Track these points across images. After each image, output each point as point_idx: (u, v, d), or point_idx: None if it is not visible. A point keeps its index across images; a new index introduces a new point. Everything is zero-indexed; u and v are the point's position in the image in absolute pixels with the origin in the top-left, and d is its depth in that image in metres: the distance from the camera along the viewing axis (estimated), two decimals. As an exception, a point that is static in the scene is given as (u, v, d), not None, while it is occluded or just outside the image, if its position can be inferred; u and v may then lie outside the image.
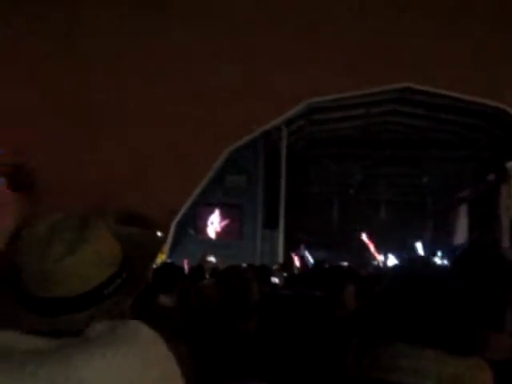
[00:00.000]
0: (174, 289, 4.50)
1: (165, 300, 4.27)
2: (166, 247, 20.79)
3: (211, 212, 22.62)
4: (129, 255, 1.25)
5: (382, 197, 24.73)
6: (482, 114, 21.73)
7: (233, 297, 2.51)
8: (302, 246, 19.72)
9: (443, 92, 21.60)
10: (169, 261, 10.74)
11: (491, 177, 21.64)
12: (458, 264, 2.10)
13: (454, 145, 23.30)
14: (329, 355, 1.88)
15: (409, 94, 22.04)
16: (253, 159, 22.33)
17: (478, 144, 23.01)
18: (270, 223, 21.92)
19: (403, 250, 19.65)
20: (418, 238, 21.55)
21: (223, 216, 22.58)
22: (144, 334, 1.17)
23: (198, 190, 22.45)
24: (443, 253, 18.87)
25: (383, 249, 18.25)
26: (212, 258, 15.73)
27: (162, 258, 14.93)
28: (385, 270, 8.97)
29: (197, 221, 22.69)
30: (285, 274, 9.15)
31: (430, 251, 19.80)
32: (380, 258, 14.03)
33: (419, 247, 19.33)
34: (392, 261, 16.65)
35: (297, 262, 15.21)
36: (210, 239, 22.27)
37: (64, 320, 1.14)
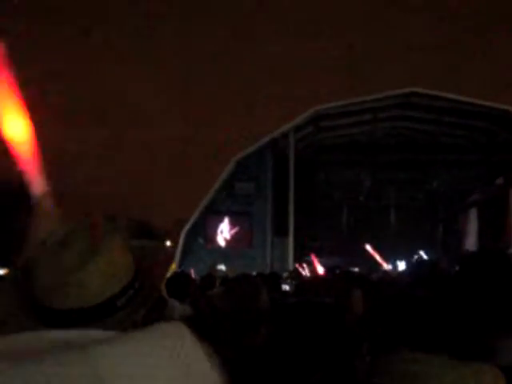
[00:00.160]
0: (186, 298, 4.51)
1: (183, 310, 4.27)
2: (176, 256, 20.79)
3: (221, 220, 22.59)
4: (141, 266, 1.27)
5: (392, 202, 24.64)
6: (490, 117, 21.65)
7: (243, 305, 2.52)
8: (313, 253, 19.66)
9: (450, 96, 21.52)
10: (180, 270, 10.75)
11: (500, 180, 21.54)
12: (466, 269, 2.11)
13: (463, 149, 23.20)
14: (339, 362, 1.89)
15: (415, 99, 21.99)
16: (261, 166, 22.32)
17: (486, 148, 22.90)
18: (280, 230, 21.87)
19: (413, 255, 19.56)
20: (428, 243, 21.43)
21: (233, 224, 22.55)
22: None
23: (207, 199, 22.44)
24: (453, 257, 18.76)
25: (393, 254, 18.17)
26: (222, 267, 15.72)
27: (172, 267, 14.91)
28: (394, 275, 8.94)
29: (206, 230, 22.65)
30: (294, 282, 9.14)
31: (440, 256, 19.68)
32: (387, 265, 13.98)
33: (423, 254, 19.23)
34: (402, 266, 16.58)
35: (307, 269, 15.17)
36: (219, 247, 22.25)
37: None
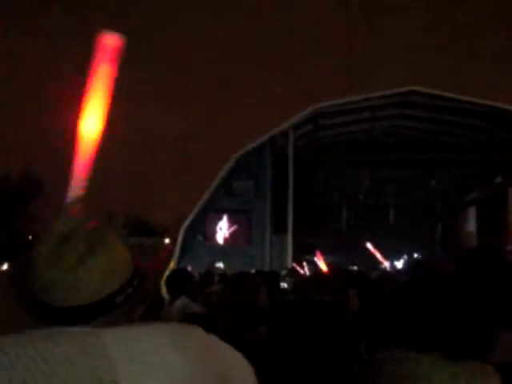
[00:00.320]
0: (185, 295, 4.51)
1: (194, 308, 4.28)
2: (175, 254, 20.78)
3: (220, 218, 22.59)
4: (140, 264, 1.28)
5: (391, 200, 24.64)
6: (489, 116, 21.64)
7: (242, 303, 2.52)
8: (313, 252, 19.68)
9: (448, 94, 21.51)
10: (179, 267, 10.76)
11: (499, 179, 21.55)
12: (463, 267, 2.12)
13: (462, 147, 23.20)
14: (337, 360, 1.90)
15: (414, 97, 21.98)
16: (260, 165, 22.30)
17: (485, 146, 22.90)
18: (279, 228, 21.87)
19: (412, 253, 19.59)
20: (426, 241, 21.41)
21: (231, 222, 22.55)
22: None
23: (206, 196, 22.43)
24: (451, 256, 18.77)
25: (392, 252, 18.18)
26: (220, 264, 15.73)
27: (171, 264, 14.93)
28: (393, 273, 8.96)
29: (205, 227, 22.65)
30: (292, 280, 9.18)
31: (438, 254, 19.71)
32: (387, 263, 14.00)
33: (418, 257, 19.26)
34: (400, 264, 16.61)
35: (306, 267, 15.18)
36: (218, 245, 22.25)
37: None
